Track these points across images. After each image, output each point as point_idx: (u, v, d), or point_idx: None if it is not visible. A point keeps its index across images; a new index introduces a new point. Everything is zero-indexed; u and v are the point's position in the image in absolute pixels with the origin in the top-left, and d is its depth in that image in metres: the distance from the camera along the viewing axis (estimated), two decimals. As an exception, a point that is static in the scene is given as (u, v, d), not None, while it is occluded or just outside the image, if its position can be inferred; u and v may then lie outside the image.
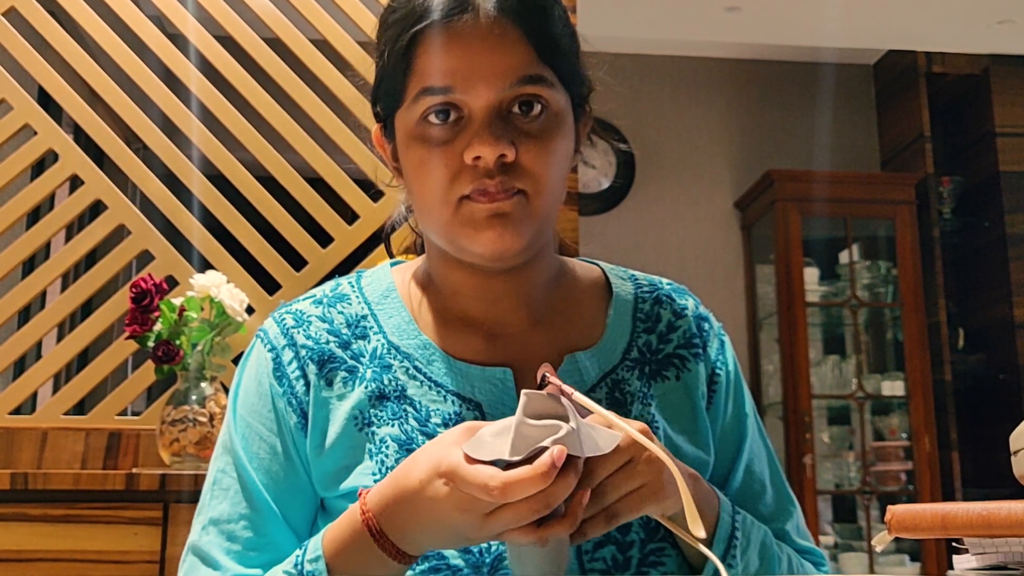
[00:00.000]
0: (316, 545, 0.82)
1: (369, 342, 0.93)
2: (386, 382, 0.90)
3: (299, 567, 0.82)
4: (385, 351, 0.92)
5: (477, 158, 0.84)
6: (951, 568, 0.73)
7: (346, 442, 0.89)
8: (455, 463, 0.71)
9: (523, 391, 0.74)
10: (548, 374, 0.76)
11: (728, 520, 0.87)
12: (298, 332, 0.94)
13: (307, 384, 0.91)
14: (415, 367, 0.91)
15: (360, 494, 0.80)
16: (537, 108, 0.86)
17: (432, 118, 0.86)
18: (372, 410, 0.89)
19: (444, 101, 0.85)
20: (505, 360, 0.92)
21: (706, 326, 1.01)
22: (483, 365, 0.91)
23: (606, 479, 0.75)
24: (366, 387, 0.90)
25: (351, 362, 0.92)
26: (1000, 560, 0.70)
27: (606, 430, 0.75)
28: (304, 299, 0.98)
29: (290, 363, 0.92)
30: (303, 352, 0.92)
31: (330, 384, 0.91)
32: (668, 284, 1.04)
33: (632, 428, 0.75)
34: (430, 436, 0.86)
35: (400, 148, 0.91)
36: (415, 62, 0.87)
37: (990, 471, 4.03)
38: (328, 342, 0.93)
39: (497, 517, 0.71)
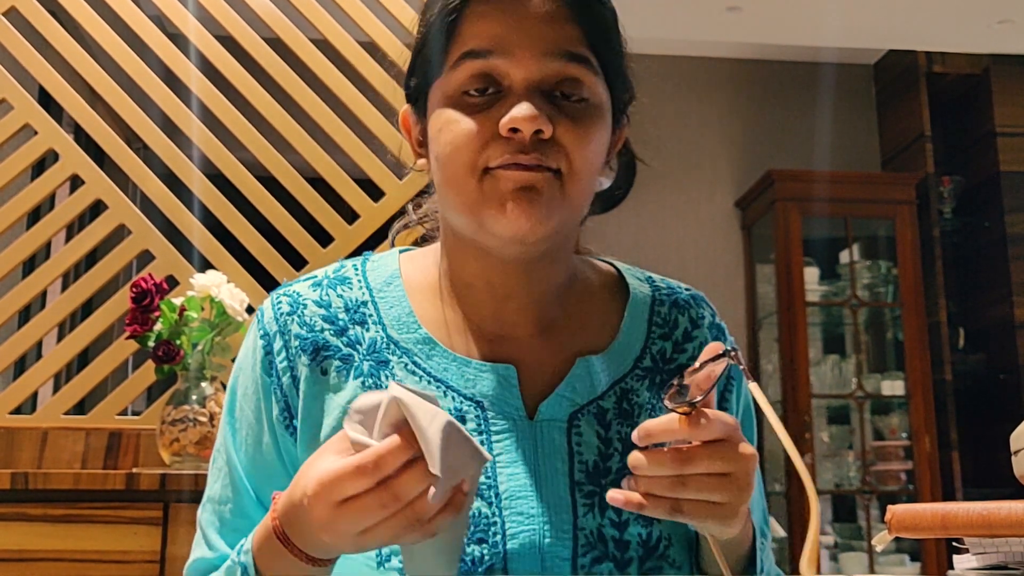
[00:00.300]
0: (249, 538, 0.82)
1: (367, 330, 0.91)
2: (383, 379, 0.88)
3: (238, 555, 0.83)
4: (383, 345, 0.90)
5: (513, 130, 0.81)
6: (951, 568, 0.73)
7: None
8: (318, 474, 0.70)
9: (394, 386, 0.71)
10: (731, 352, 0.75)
11: (758, 554, 0.87)
12: (292, 320, 0.91)
13: (295, 377, 0.89)
14: (414, 362, 0.89)
15: (273, 497, 0.79)
16: (579, 93, 0.84)
17: (470, 90, 0.84)
18: None
19: (484, 67, 0.83)
20: (509, 358, 0.90)
21: (722, 339, 0.99)
22: (487, 362, 0.89)
23: (699, 475, 0.73)
24: (363, 382, 0.88)
25: (346, 350, 0.90)
26: (1000, 560, 0.70)
27: (480, 450, 0.72)
28: (305, 280, 0.96)
29: (279, 353, 0.90)
30: (295, 343, 0.90)
31: (324, 373, 0.89)
32: (687, 290, 1.01)
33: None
34: None
35: (431, 120, 0.87)
36: (460, 27, 0.85)
37: (990, 471, 4.03)
38: (323, 330, 0.91)
39: (371, 534, 0.70)
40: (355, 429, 0.71)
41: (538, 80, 0.83)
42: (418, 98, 0.91)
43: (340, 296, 0.93)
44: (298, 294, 0.94)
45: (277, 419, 0.89)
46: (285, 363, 0.90)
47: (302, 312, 0.92)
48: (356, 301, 0.93)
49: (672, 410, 0.73)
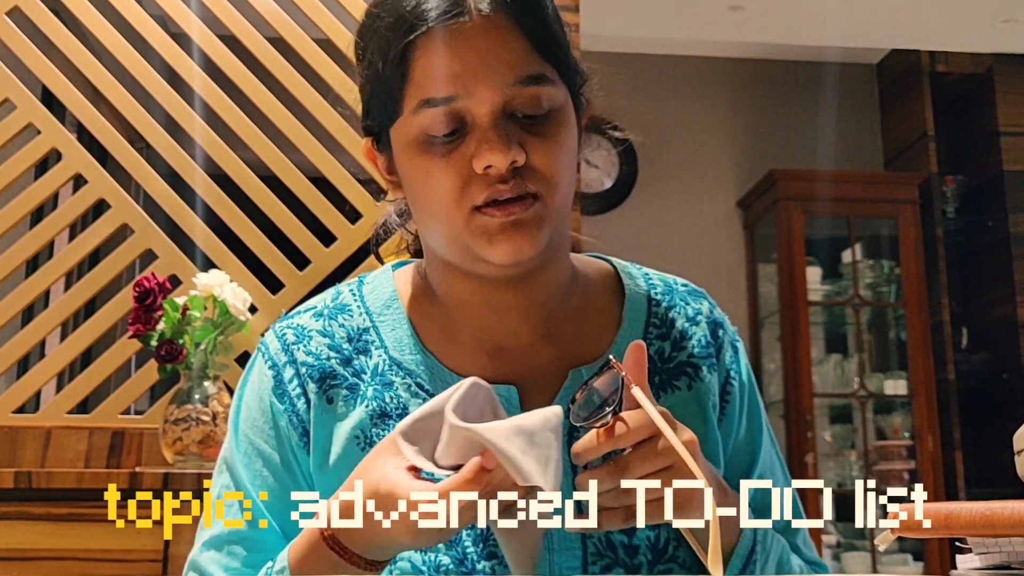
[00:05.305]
0: (283, 556, 0.81)
1: (371, 357, 0.91)
2: (388, 400, 0.89)
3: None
4: (387, 367, 0.90)
5: (488, 167, 0.81)
6: (954, 568, 0.73)
7: (349, 461, 0.86)
8: (392, 486, 0.72)
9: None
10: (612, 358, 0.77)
11: (750, 533, 0.87)
12: (298, 349, 0.92)
13: (308, 402, 0.90)
14: (417, 384, 0.89)
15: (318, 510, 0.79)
16: (542, 109, 0.84)
17: (433, 132, 0.83)
18: (374, 429, 0.88)
19: (447, 111, 0.82)
20: (509, 377, 0.89)
21: (720, 333, 0.98)
22: (487, 382, 0.90)
23: (640, 478, 0.74)
24: (367, 406, 0.88)
25: (352, 379, 0.90)
26: (1003, 560, 0.70)
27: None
28: (305, 311, 0.96)
29: (291, 380, 0.91)
30: (303, 370, 0.90)
31: (331, 402, 0.89)
32: (684, 285, 1.01)
33: (682, 436, 0.75)
34: None
35: (400, 160, 0.87)
36: (412, 71, 0.83)
37: (993, 471, 4.02)
38: (329, 358, 0.91)
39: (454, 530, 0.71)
40: (418, 457, 0.73)
41: (501, 109, 0.82)
42: (379, 134, 0.90)
43: (342, 326, 0.93)
44: (301, 325, 0.94)
45: (297, 444, 0.89)
46: (298, 389, 0.90)
47: (308, 342, 0.92)
48: (358, 329, 0.93)
49: (590, 428, 0.75)
